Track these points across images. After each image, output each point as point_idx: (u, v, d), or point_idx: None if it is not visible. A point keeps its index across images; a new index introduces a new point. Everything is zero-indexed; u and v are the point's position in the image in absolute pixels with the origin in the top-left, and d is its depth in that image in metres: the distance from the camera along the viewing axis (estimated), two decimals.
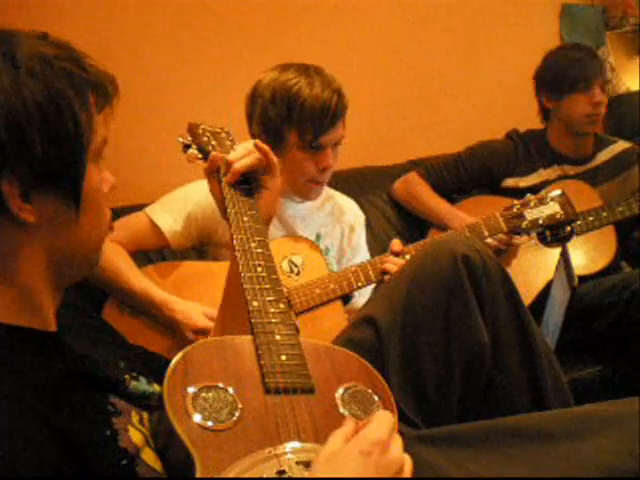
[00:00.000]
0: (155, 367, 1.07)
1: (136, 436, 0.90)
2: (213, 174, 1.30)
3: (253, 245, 1.16)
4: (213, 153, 1.32)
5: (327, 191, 2.02)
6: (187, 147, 1.40)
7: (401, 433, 0.89)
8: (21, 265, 0.86)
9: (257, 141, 1.30)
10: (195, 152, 1.39)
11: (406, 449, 0.86)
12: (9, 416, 0.76)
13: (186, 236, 1.86)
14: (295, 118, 1.74)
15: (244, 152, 1.29)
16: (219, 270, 1.78)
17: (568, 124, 2.44)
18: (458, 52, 2.95)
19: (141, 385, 1.02)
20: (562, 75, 2.40)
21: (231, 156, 1.28)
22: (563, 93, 2.41)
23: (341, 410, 0.98)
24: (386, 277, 1.73)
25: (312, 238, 1.92)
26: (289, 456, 0.87)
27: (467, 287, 1.33)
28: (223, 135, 1.43)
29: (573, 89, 2.38)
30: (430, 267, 1.36)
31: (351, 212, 2.07)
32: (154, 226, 1.83)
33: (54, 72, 0.83)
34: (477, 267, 1.34)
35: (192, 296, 1.74)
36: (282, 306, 1.07)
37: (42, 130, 0.81)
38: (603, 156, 2.50)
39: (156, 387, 1.03)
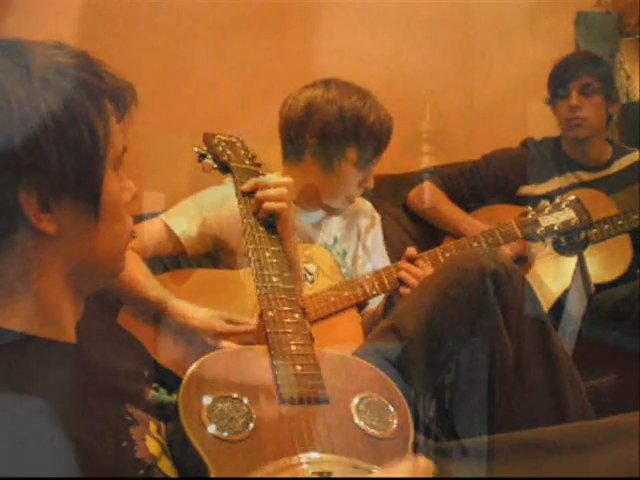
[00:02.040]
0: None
1: (153, 446, 0.90)
2: None
3: (267, 255, 1.16)
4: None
5: None
6: (203, 157, 1.41)
7: (420, 445, 0.89)
8: (41, 275, 0.86)
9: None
10: (211, 162, 1.40)
11: None
12: (28, 424, 0.76)
13: (201, 242, 1.86)
14: (361, 138, 1.79)
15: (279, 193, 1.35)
16: (234, 278, 1.79)
17: (562, 130, 2.46)
18: (473, 61, 2.94)
19: (161, 395, 1.02)
20: (549, 83, 2.45)
21: (271, 192, 1.35)
22: (551, 100, 2.45)
23: (356, 420, 0.98)
24: (402, 289, 1.74)
25: (329, 242, 1.92)
26: (304, 467, 0.87)
27: (494, 302, 1.35)
28: (238, 144, 1.44)
29: (555, 95, 2.43)
30: (458, 281, 1.37)
31: (367, 212, 2.07)
32: (169, 231, 1.83)
33: (69, 82, 0.83)
34: (504, 282, 1.36)
35: (208, 303, 1.74)
36: (297, 316, 1.08)
37: (58, 140, 0.81)
38: (620, 164, 2.48)
39: (176, 397, 1.03)
